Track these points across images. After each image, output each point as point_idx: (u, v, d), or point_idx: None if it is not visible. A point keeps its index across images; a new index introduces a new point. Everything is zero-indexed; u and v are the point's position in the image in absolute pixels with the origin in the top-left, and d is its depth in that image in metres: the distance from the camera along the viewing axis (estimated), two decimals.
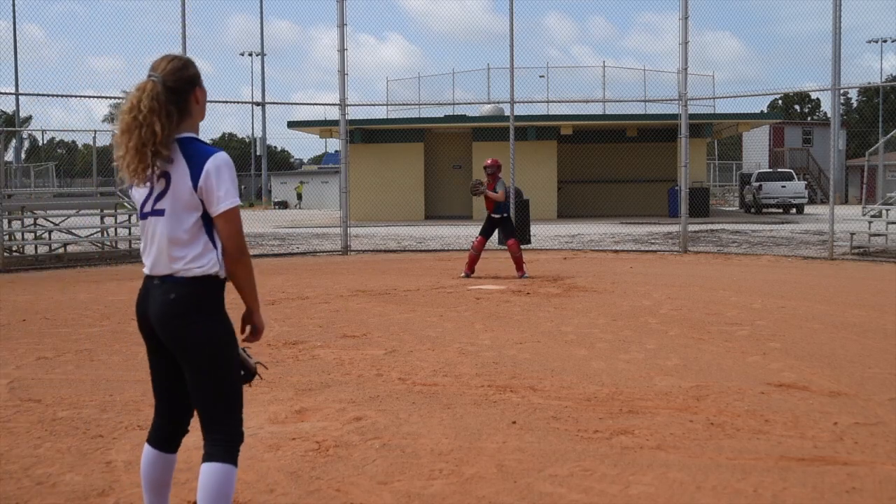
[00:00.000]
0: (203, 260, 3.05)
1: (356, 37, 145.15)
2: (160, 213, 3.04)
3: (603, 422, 5.03)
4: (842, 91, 19.48)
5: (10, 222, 16.09)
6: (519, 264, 12.74)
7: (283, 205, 56.12)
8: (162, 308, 3.07)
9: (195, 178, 2.99)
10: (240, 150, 68.23)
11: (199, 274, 3.06)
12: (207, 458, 3.12)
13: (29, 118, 38.59)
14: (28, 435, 4.90)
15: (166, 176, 3.02)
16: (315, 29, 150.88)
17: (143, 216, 3.11)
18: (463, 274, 12.88)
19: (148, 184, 3.05)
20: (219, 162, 3.01)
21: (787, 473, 4.11)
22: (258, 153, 60.10)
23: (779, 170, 40.63)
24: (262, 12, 48.88)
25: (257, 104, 25.81)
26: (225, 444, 3.15)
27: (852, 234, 16.64)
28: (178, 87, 3.06)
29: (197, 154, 3.03)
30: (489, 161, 12.91)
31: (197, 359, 3.10)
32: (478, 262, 12.96)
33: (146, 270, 3.12)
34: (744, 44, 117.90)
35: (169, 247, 3.03)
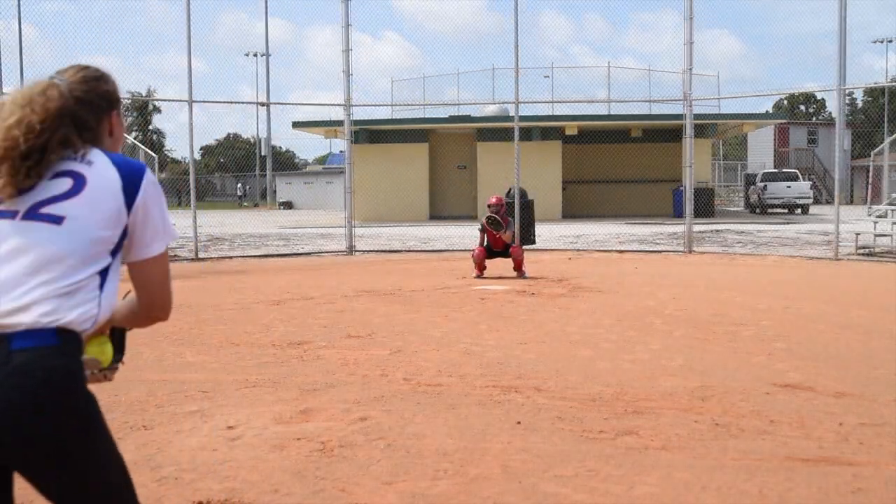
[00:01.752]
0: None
1: (353, 36, 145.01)
2: (52, 219, 2.09)
3: (608, 422, 5.03)
4: (846, 91, 19.44)
5: None
6: (519, 265, 12.75)
7: (288, 205, 56.15)
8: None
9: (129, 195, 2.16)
10: (244, 151, 68.31)
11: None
12: None
13: None
14: None
15: (73, 175, 2.14)
16: (311, 28, 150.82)
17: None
18: (474, 275, 12.85)
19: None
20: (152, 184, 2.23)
21: (792, 474, 4.11)
22: (263, 154, 60.21)
23: (784, 170, 40.58)
24: (266, 12, 48.90)
25: (262, 105, 25.81)
26: None
27: (857, 234, 16.61)
28: (88, 100, 2.25)
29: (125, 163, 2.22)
30: (493, 200, 12.89)
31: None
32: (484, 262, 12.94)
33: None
34: (743, 43, 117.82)
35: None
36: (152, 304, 2.30)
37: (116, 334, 2.43)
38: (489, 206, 12.87)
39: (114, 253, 2.17)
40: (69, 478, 2.14)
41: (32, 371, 1.98)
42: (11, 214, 2.11)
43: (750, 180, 41.71)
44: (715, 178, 46.59)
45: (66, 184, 2.12)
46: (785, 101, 69.01)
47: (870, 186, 21.07)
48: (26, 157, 2.10)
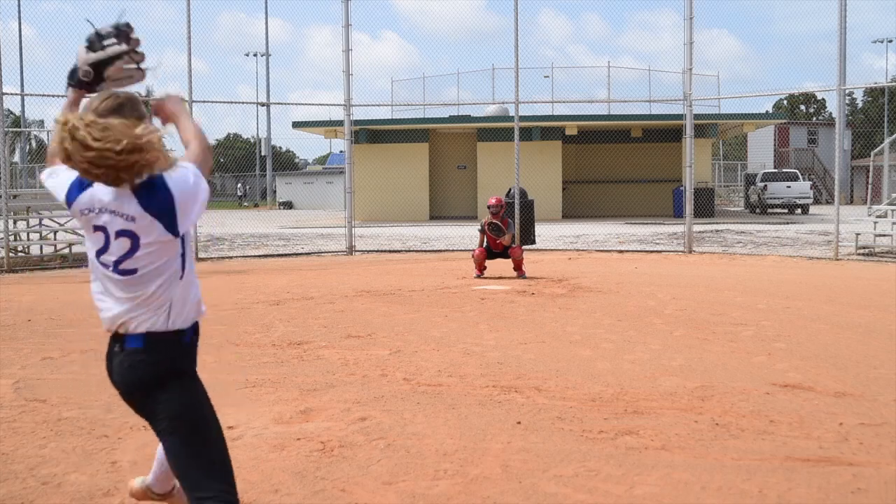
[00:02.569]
0: None
1: (353, 36, 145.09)
2: (131, 272, 2.82)
3: (608, 422, 5.03)
4: (846, 91, 19.44)
5: (15, 222, 16.12)
6: (518, 266, 12.76)
7: (288, 205, 56.12)
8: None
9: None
10: (244, 151, 68.30)
11: None
12: None
13: (41, 122, 38.71)
14: (33, 435, 4.92)
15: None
16: (311, 28, 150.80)
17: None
18: (474, 275, 12.86)
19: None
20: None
21: (792, 474, 4.11)
22: (263, 154, 60.16)
23: (784, 170, 40.56)
24: (266, 12, 48.96)
25: (262, 105, 25.81)
26: None
27: (857, 234, 16.60)
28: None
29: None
30: (493, 200, 12.89)
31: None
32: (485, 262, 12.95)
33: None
34: (743, 43, 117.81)
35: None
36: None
37: None
38: (489, 206, 12.88)
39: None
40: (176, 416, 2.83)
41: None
42: None
43: (750, 180, 41.68)
44: (715, 178, 46.60)
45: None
46: (785, 101, 68.99)
47: (870, 186, 21.04)
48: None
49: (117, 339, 2.83)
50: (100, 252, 2.79)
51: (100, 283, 2.85)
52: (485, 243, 12.92)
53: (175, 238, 2.76)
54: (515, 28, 17.62)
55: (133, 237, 2.72)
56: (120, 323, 2.80)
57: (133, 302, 2.78)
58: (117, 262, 2.76)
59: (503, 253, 12.86)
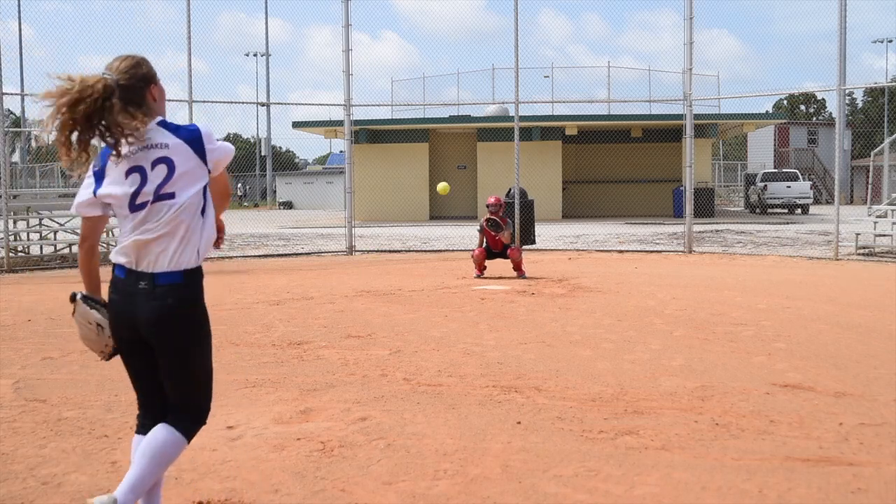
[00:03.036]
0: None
1: (353, 36, 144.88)
2: (170, 196, 3.15)
3: (608, 422, 5.03)
4: (846, 91, 19.44)
5: (15, 222, 16.12)
6: (518, 266, 12.76)
7: (288, 205, 56.12)
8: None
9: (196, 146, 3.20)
10: (244, 151, 68.26)
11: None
12: (170, 422, 3.27)
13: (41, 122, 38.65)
14: (33, 435, 4.91)
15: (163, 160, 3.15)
16: (310, 28, 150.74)
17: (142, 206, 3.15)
18: (474, 275, 12.86)
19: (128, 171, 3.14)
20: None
21: (792, 474, 4.11)
22: (263, 154, 60.16)
23: (784, 170, 40.56)
24: (266, 12, 48.97)
25: (262, 105, 25.80)
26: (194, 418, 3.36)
27: (857, 234, 16.61)
28: (135, 86, 3.16)
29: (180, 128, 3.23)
30: (492, 199, 12.91)
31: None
32: (484, 262, 12.94)
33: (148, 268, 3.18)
34: (743, 43, 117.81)
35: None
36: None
37: None
38: (488, 205, 12.89)
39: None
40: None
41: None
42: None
43: (750, 180, 41.70)
44: (715, 178, 46.61)
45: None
46: (785, 102, 69.00)
47: (870, 186, 21.04)
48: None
49: (142, 276, 3.14)
50: (136, 193, 3.12)
51: (131, 228, 3.16)
52: (484, 243, 12.92)
53: (204, 165, 3.19)
54: (515, 28, 17.62)
55: (169, 163, 3.12)
56: (154, 259, 3.14)
57: (169, 237, 3.13)
58: (157, 189, 3.11)
59: (503, 253, 12.86)
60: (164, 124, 3.18)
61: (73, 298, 3.24)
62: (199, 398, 3.34)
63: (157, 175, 3.11)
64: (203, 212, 3.21)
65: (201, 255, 3.22)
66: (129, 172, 3.13)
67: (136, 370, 3.31)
